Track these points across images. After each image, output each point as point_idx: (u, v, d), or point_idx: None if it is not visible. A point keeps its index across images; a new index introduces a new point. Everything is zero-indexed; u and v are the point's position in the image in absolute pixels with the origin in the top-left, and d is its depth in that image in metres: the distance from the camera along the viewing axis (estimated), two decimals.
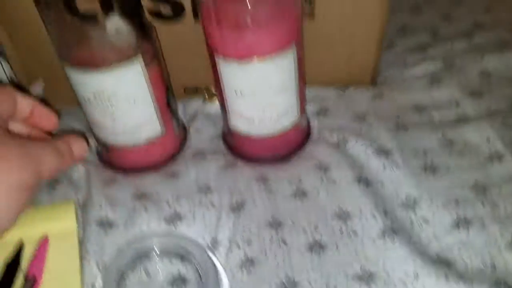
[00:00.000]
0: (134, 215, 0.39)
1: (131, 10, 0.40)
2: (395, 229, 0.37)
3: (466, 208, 0.38)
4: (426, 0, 0.64)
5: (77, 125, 0.49)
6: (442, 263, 0.34)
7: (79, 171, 0.44)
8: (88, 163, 0.45)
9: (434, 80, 0.49)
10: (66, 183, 0.43)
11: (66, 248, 0.36)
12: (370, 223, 0.38)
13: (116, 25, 0.37)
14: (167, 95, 0.43)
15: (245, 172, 0.43)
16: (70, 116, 0.49)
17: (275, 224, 0.38)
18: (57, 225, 0.37)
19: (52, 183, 0.43)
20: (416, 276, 0.34)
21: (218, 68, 0.39)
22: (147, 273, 0.36)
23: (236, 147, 0.46)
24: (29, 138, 0.33)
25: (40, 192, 0.42)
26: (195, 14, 0.44)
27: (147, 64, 0.38)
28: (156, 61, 0.40)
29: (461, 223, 0.37)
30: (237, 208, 0.40)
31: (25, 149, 0.30)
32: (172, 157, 0.46)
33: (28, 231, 0.33)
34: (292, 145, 0.45)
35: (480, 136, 0.43)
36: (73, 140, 0.35)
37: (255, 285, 0.35)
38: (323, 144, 0.45)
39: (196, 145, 0.47)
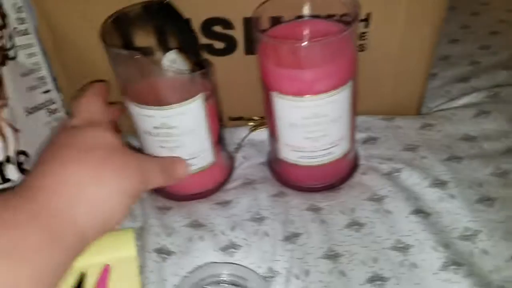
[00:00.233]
0: (191, 244, 0.39)
1: (190, 48, 0.42)
2: (457, 261, 0.36)
3: None
4: (463, 30, 0.65)
5: None
6: None
7: None
8: None
9: (480, 111, 0.49)
10: None
11: (127, 275, 0.36)
12: (430, 255, 0.37)
13: (174, 62, 0.38)
14: (220, 125, 0.44)
15: (296, 201, 0.43)
16: None
17: (332, 256, 0.38)
18: (118, 253, 0.37)
19: None
20: None
21: (271, 101, 0.39)
22: None
23: (284, 175, 0.46)
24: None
25: None
26: (247, 48, 0.45)
27: (206, 100, 0.39)
28: (213, 96, 0.41)
29: None
30: (292, 238, 0.39)
31: (140, 162, 0.34)
32: (221, 185, 0.46)
33: (89, 260, 0.33)
34: (341, 174, 0.45)
35: None
36: (177, 161, 0.39)
37: None
38: (374, 173, 0.44)
39: (243, 173, 0.47)
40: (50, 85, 0.44)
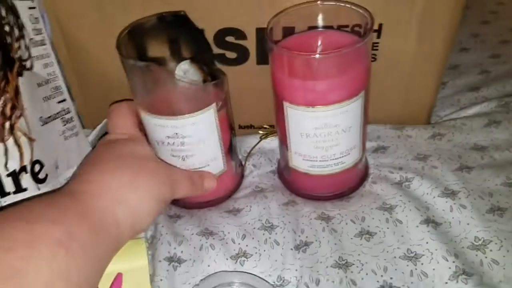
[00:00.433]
0: (202, 252, 0.39)
1: (204, 58, 0.43)
2: (467, 271, 0.36)
3: None
4: (473, 39, 0.65)
5: None
6: None
7: None
8: None
9: (491, 120, 0.49)
10: None
11: (138, 284, 0.37)
12: (441, 265, 0.37)
13: (187, 72, 0.39)
14: (231, 135, 0.44)
15: (306, 210, 0.43)
16: None
17: (343, 265, 0.38)
18: (130, 263, 0.38)
19: None
20: None
21: (283, 111, 0.40)
22: None
23: (294, 183, 0.46)
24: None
25: None
26: (259, 58, 0.46)
27: (218, 109, 0.40)
28: (226, 106, 0.42)
29: None
30: (302, 246, 0.40)
31: (169, 172, 0.38)
32: (232, 193, 0.46)
33: None
34: (352, 183, 0.45)
35: None
36: (205, 175, 0.42)
37: None
38: (384, 182, 0.44)
39: (253, 181, 0.47)
40: (65, 95, 0.45)
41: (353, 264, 0.38)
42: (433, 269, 0.37)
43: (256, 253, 0.39)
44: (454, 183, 0.43)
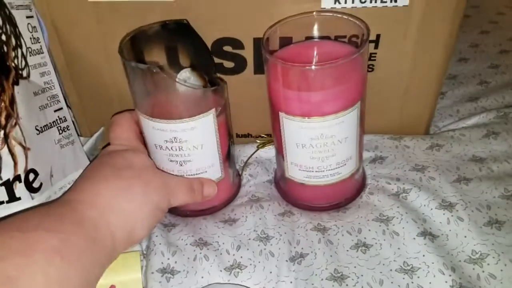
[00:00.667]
0: (195, 263, 0.39)
1: (205, 67, 0.43)
2: (464, 285, 0.36)
3: None
4: (473, 49, 0.65)
5: None
6: None
7: None
8: None
9: (489, 131, 0.49)
10: None
11: None
12: (437, 278, 0.37)
13: (187, 80, 0.39)
14: (229, 142, 0.44)
15: (302, 221, 0.43)
16: None
17: (338, 277, 0.38)
18: (123, 275, 0.37)
19: None
20: None
21: (279, 121, 0.40)
22: None
23: (290, 194, 0.46)
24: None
25: None
26: (256, 68, 0.46)
27: (218, 116, 0.40)
28: (224, 112, 0.42)
29: None
30: (298, 258, 0.39)
31: (165, 180, 0.39)
32: (228, 202, 0.46)
33: None
34: (349, 193, 0.45)
35: None
36: (205, 181, 0.42)
37: None
38: (381, 193, 0.44)
39: (250, 190, 0.47)
40: (62, 103, 0.45)
41: (349, 277, 0.38)
42: (430, 283, 0.37)
43: (250, 264, 0.39)
44: (451, 195, 0.42)
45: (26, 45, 0.41)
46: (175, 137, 0.39)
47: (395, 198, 0.43)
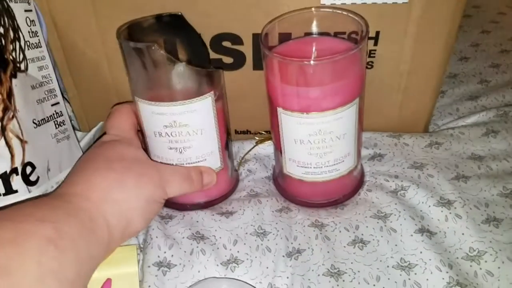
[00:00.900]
0: (192, 257, 0.39)
1: (200, 61, 0.43)
2: (461, 282, 0.36)
3: None
4: (473, 48, 0.64)
5: None
6: None
7: None
8: None
9: (489, 130, 0.49)
10: None
11: None
12: (434, 275, 0.36)
13: (182, 74, 0.38)
14: (227, 132, 0.44)
15: (300, 217, 0.43)
16: None
17: (335, 273, 0.38)
18: (120, 269, 0.37)
19: None
20: None
21: (278, 117, 0.40)
22: None
23: (289, 190, 0.46)
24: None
25: None
26: (255, 64, 0.45)
27: (216, 100, 0.40)
28: (221, 99, 0.42)
29: None
30: (295, 254, 0.39)
31: (159, 171, 0.38)
32: (226, 197, 0.46)
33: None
34: (346, 190, 0.45)
35: None
36: (204, 170, 0.42)
37: None
38: (379, 191, 0.44)
39: (248, 185, 0.47)
40: (59, 98, 0.45)
41: (345, 273, 0.37)
42: (427, 280, 0.36)
43: (247, 259, 0.39)
44: (450, 192, 0.42)
45: (24, 39, 0.41)
46: (174, 121, 0.39)
47: (393, 195, 0.43)
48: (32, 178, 0.40)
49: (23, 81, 0.40)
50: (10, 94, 0.39)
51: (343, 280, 0.37)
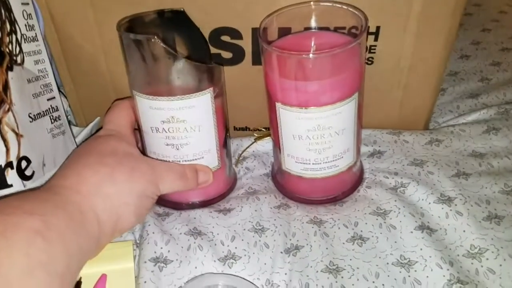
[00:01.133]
0: (189, 252, 0.38)
1: (201, 57, 0.43)
2: (462, 280, 0.35)
3: None
4: (474, 46, 0.64)
5: None
6: None
7: None
8: None
9: (490, 127, 0.48)
10: None
11: (123, 286, 0.36)
12: (434, 273, 0.36)
13: (184, 67, 0.38)
14: (226, 130, 0.44)
15: (298, 213, 0.42)
16: None
17: (334, 270, 0.37)
18: (115, 264, 0.37)
19: None
20: None
21: (276, 113, 0.39)
22: None
23: (287, 187, 0.45)
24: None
25: None
26: (254, 59, 0.45)
27: (215, 97, 0.40)
28: (221, 97, 0.41)
29: None
30: (293, 250, 0.39)
31: (152, 167, 0.38)
32: (224, 196, 0.45)
33: (87, 269, 0.33)
34: (346, 187, 0.44)
35: None
36: (200, 168, 0.41)
37: None
38: (379, 187, 0.43)
39: (246, 183, 0.47)
40: (54, 93, 0.44)
41: (344, 269, 0.37)
42: (427, 277, 0.36)
43: (245, 255, 0.38)
44: (450, 189, 0.42)
45: (21, 32, 0.41)
46: (172, 117, 0.38)
47: (392, 192, 0.43)
48: (28, 172, 0.39)
49: (19, 75, 0.40)
50: (6, 86, 0.38)
51: (342, 277, 0.36)
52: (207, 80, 0.39)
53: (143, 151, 0.43)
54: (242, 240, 0.39)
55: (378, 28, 0.43)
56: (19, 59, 0.40)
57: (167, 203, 0.44)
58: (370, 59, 0.45)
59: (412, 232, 0.39)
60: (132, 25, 0.41)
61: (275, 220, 0.41)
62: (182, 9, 0.42)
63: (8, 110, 0.38)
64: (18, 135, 0.38)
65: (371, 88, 0.45)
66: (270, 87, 0.39)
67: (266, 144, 0.50)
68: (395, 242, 0.38)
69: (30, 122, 0.40)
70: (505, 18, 0.70)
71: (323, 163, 0.40)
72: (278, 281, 0.36)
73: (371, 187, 0.44)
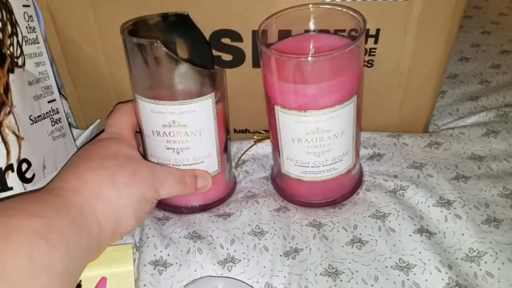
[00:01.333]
0: (189, 256, 0.38)
1: (203, 61, 0.43)
2: (460, 283, 0.35)
3: None
4: (474, 48, 0.64)
5: None
6: None
7: None
8: None
9: (489, 130, 0.48)
10: None
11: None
12: (433, 276, 0.36)
13: (185, 74, 0.38)
14: (227, 134, 0.44)
15: (298, 216, 0.42)
16: None
17: (333, 273, 0.37)
18: (115, 267, 0.37)
19: None
20: None
21: (275, 116, 0.39)
22: None
23: (287, 190, 0.45)
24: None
25: None
26: (255, 61, 0.45)
27: (216, 102, 0.40)
28: (223, 102, 0.42)
29: None
30: (292, 253, 0.39)
31: (152, 171, 0.38)
32: (224, 200, 0.45)
33: (87, 271, 0.33)
34: (345, 189, 0.44)
35: None
36: (199, 174, 0.41)
37: None
38: (378, 190, 0.43)
39: (246, 186, 0.47)
40: (55, 95, 0.44)
41: (343, 273, 0.37)
42: (426, 280, 0.36)
43: (244, 258, 0.38)
44: (449, 192, 0.42)
45: (22, 34, 0.41)
46: (173, 121, 0.38)
47: (392, 195, 0.43)
48: (28, 175, 0.39)
49: (20, 77, 0.40)
50: (7, 89, 0.38)
51: (341, 280, 0.37)
52: (209, 85, 0.39)
53: (144, 154, 0.43)
54: (242, 243, 0.40)
55: (378, 30, 0.43)
56: (20, 61, 0.40)
57: (167, 207, 0.44)
58: (370, 61, 0.45)
59: (411, 235, 0.39)
60: (136, 28, 0.41)
61: (274, 223, 0.41)
62: (186, 13, 0.42)
63: (9, 112, 0.38)
64: (18, 138, 0.39)
65: (371, 90, 0.45)
66: (269, 90, 0.39)
67: (265, 147, 0.50)
68: (394, 245, 0.39)
69: (31, 124, 0.41)
70: (505, 20, 0.70)
71: (322, 166, 0.41)
72: (277, 284, 0.37)
73: (371, 190, 0.44)
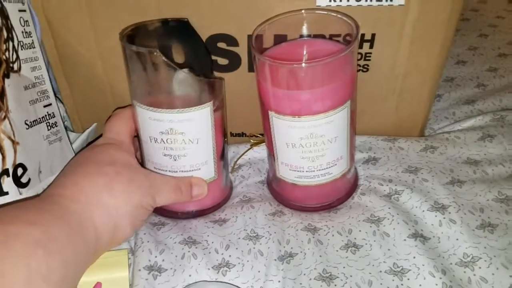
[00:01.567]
0: (183, 261, 0.39)
1: (203, 68, 0.43)
2: None
3: None
4: (471, 52, 0.64)
5: None
6: None
7: None
8: None
9: (485, 134, 0.48)
10: None
11: None
12: (427, 281, 0.36)
13: (183, 81, 0.38)
14: (224, 141, 0.44)
15: (293, 221, 0.42)
16: None
17: (327, 278, 0.37)
18: (110, 273, 0.37)
19: None
20: None
21: (269, 121, 0.39)
22: None
23: (282, 194, 0.45)
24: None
25: None
26: (251, 65, 0.45)
27: (214, 111, 0.40)
28: (221, 110, 0.42)
29: None
30: (287, 257, 0.39)
31: (149, 178, 0.38)
32: (220, 206, 0.45)
33: (83, 277, 0.33)
34: (340, 194, 0.44)
35: None
36: (195, 182, 0.41)
37: None
38: (373, 194, 0.44)
39: (241, 191, 0.47)
40: (51, 99, 0.44)
41: (337, 277, 0.37)
42: (420, 285, 0.36)
43: (239, 263, 0.39)
44: (444, 197, 0.42)
45: (17, 39, 0.41)
46: (171, 128, 0.39)
47: (386, 199, 0.43)
48: (23, 180, 0.40)
49: (16, 82, 0.40)
50: (2, 94, 0.38)
51: (335, 285, 0.37)
52: (208, 93, 0.39)
53: (141, 159, 0.43)
54: (237, 248, 0.40)
55: (373, 35, 0.43)
56: (16, 66, 0.40)
57: (163, 212, 0.44)
58: (366, 66, 0.45)
59: (405, 240, 0.39)
60: (135, 34, 0.41)
61: (269, 227, 0.42)
62: (186, 19, 0.42)
63: (5, 117, 0.38)
64: (14, 143, 0.39)
65: (367, 95, 0.45)
66: (263, 95, 0.40)
67: (262, 151, 0.50)
68: (389, 249, 0.39)
69: (27, 129, 0.41)
70: (502, 23, 0.70)
71: (317, 170, 0.41)
72: None
73: (366, 194, 0.44)
